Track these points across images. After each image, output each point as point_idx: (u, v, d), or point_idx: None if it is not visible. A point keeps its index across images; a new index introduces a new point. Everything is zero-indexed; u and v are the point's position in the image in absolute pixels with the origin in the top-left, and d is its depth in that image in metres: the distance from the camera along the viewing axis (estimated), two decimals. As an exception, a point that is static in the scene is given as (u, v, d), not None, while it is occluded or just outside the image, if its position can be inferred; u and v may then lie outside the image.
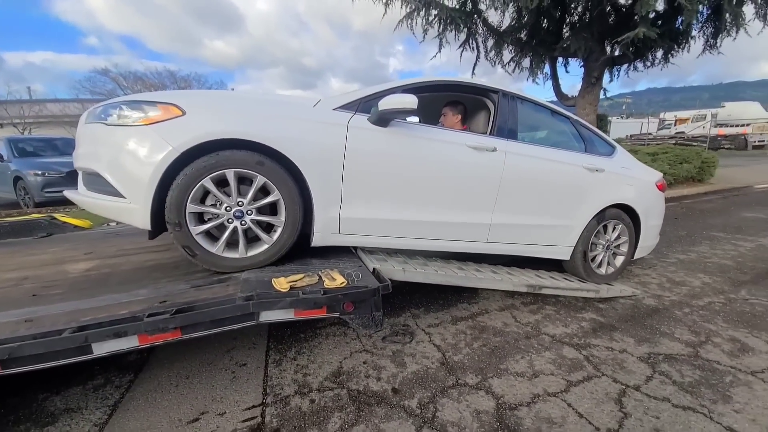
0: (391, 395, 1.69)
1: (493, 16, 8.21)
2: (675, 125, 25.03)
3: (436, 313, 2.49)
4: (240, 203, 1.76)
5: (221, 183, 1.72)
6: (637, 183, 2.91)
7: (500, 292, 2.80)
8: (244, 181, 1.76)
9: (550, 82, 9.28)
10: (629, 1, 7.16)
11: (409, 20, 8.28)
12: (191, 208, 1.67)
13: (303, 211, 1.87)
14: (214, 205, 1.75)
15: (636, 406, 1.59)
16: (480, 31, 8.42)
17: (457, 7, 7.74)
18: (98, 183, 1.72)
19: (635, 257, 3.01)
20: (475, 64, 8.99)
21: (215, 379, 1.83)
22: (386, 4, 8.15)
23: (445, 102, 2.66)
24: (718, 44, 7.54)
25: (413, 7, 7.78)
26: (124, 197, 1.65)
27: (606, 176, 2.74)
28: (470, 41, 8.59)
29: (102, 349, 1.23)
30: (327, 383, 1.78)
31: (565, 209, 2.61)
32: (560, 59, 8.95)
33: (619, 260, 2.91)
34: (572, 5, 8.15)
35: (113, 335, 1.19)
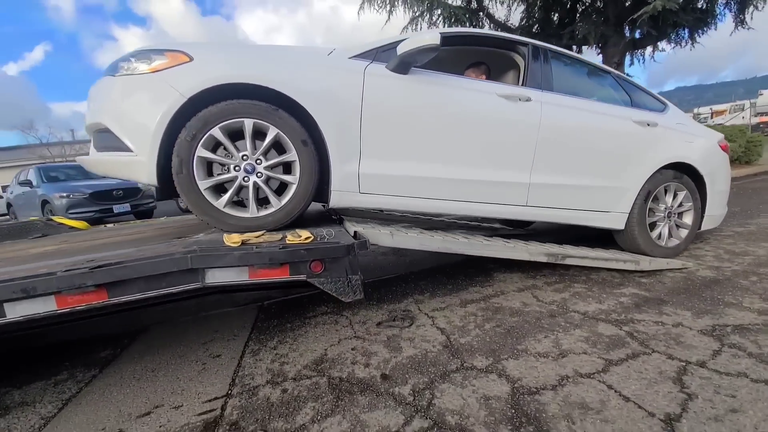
0: (379, 382, 1.38)
1: (499, 11, 8.06)
2: (711, 118, 23.43)
3: (442, 297, 2.16)
4: (246, 157, 1.62)
5: (233, 136, 1.60)
6: (697, 141, 2.58)
7: (519, 274, 2.42)
8: (256, 134, 1.63)
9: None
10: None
11: (414, 25, 8.29)
12: (201, 152, 1.54)
13: (319, 168, 1.72)
14: (228, 155, 1.62)
15: (703, 385, 1.18)
16: (487, 28, 8.25)
17: (462, 5, 7.65)
18: (106, 140, 1.62)
19: (702, 228, 2.59)
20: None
21: (182, 372, 1.59)
22: (390, 12, 8.22)
23: (467, 65, 2.43)
24: (747, 19, 6.94)
25: (418, 11, 7.78)
26: (131, 150, 1.55)
27: (661, 131, 2.43)
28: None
29: (15, 311, 1.02)
30: (305, 371, 1.49)
31: (616, 169, 2.31)
32: (573, 48, 8.58)
33: (683, 232, 2.53)
34: (582, -7, 7.87)
35: (21, 292, 0.99)
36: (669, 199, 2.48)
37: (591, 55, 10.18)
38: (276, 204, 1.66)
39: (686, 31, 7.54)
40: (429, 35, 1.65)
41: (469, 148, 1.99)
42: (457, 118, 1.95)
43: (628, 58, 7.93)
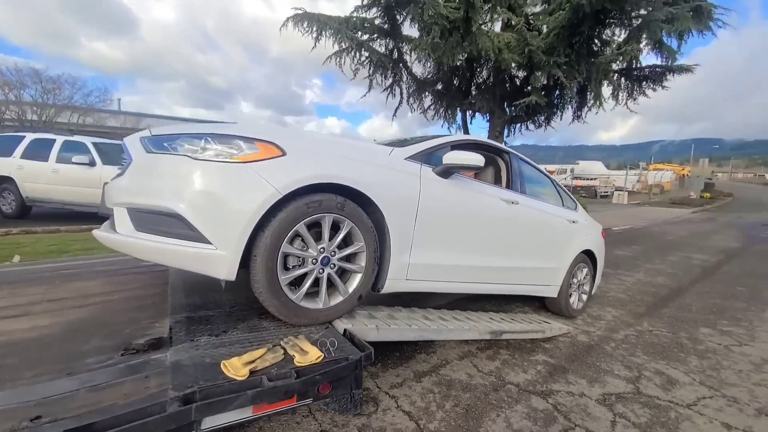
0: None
1: (416, 66, 8.98)
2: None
3: (395, 369, 2.23)
4: (324, 250, 1.67)
5: (309, 228, 1.62)
6: (593, 232, 3.53)
7: (454, 340, 2.70)
8: (319, 225, 1.67)
9: (461, 131, 10.43)
10: (522, 74, 8.68)
11: (338, 58, 8.47)
12: (285, 247, 1.54)
13: (380, 258, 1.88)
14: (300, 260, 1.63)
15: (616, 459, 1.58)
16: (404, 78, 9.07)
17: (386, 53, 8.23)
18: (164, 224, 1.45)
19: (592, 293, 3.54)
20: (397, 108, 9.58)
21: None
22: (316, 39, 8.21)
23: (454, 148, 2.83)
24: (583, 115, 9.64)
25: (345, 46, 7.99)
26: (210, 243, 1.42)
27: (579, 227, 3.26)
28: (394, 87, 9.17)
29: None
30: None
31: (558, 254, 3.05)
32: (469, 112, 10.21)
33: (584, 297, 3.41)
34: (478, 69, 9.51)
35: None
36: (580, 275, 3.31)
37: (481, 119, 12.11)
38: (344, 294, 1.74)
39: (544, 117, 9.93)
40: (475, 157, 2.04)
41: (485, 240, 2.46)
42: (478, 216, 2.40)
43: (506, 129, 9.86)
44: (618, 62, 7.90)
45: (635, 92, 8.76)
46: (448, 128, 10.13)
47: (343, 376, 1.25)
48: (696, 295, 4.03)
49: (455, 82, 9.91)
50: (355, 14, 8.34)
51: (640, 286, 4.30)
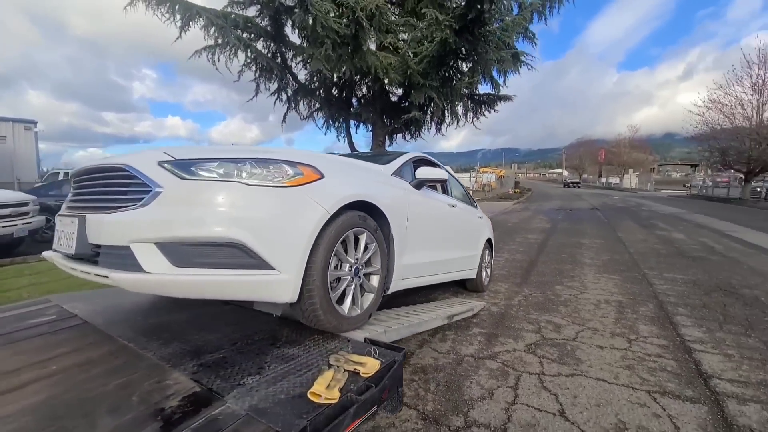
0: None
1: (299, 74, 8.91)
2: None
3: (373, 371, 2.37)
4: (356, 262, 1.86)
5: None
6: (489, 224, 4.51)
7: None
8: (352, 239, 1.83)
9: (346, 139, 10.90)
10: (400, 92, 9.78)
11: (212, 54, 7.62)
12: (331, 265, 1.65)
13: (387, 264, 2.14)
14: (337, 267, 1.75)
15: (553, 386, 2.18)
16: (290, 85, 8.87)
17: (270, 56, 7.89)
18: (215, 255, 1.37)
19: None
20: (285, 114, 9.29)
21: None
22: (182, 29, 7.17)
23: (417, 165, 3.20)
24: (443, 130, 11.59)
25: (221, 41, 7.25)
26: (273, 268, 1.43)
27: (483, 221, 4.25)
28: (280, 93, 8.87)
29: None
30: None
31: (475, 243, 3.90)
32: (354, 122, 10.78)
33: (489, 273, 4.44)
34: (358, 83, 10.18)
35: None
36: (486, 258, 4.23)
37: (364, 131, 12.80)
38: (368, 301, 1.96)
39: (417, 130, 11.44)
40: (441, 172, 2.70)
41: (442, 238, 3.06)
42: (438, 219, 2.98)
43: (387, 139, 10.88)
44: (467, 89, 9.90)
45: (478, 113, 11.11)
46: (337, 136, 10.42)
47: (396, 378, 1.36)
48: (543, 264, 5.57)
49: (335, 93, 10.30)
50: (230, 9, 7.68)
51: (509, 263, 5.62)
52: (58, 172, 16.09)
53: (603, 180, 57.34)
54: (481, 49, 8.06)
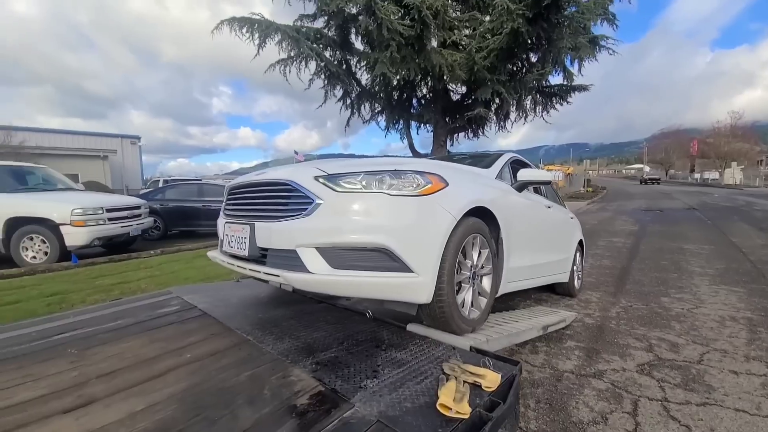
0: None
1: (363, 78, 9.11)
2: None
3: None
4: (474, 265, 1.97)
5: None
6: (579, 225, 4.26)
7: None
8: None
9: (406, 140, 10.88)
10: (462, 89, 9.49)
11: (284, 66, 8.14)
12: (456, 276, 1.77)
13: (498, 266, 2.21)
14: (458, 271, 1.83)
15: (683, 416, 1.86)
16: (354, 89, 9.13)
17: (337, 64, 8.19)
18: (365, 259, 1.54)
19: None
20: (349, 119, 9.58)
21: None
22: (260, 46, 7.76)
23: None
24: (508, 126, 10.95)
25: (293, 54, 7.72)
26: (413, 271, 1.55)
27: (574, 222, 4.07)
28: (345, 98, 9.17)
29: None
30: None
31: (568, 245, 3.72)
32: (415, 123, 10.73)
33: (581, 276, 4.18)
34: (420, 83, 10.09)
35: None
36: (578, 260, 4.02)
37: (423, 131, 12.76)
38: (483, 303, 2.04)
39: (480, 127, 10.98)
40: (545, 174, 2.71)
41: (542, 240, 3.00)
42: (538, 221, 2.94)
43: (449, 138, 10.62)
44: (537, 81, 9.23)
45: (548, 106, 10.29)
46: (401, 138, 10.47)
47: (516, 394, 1.24)
48: (639, 271, 4.91)
49: (395, 95, 10.34)
50: (299, 23, 8.15)
51: (597, 270, 5.06)
52: (159, 180, 18.83)
53: (697, 176, 49.51)
54: (556, 36, 7.46)
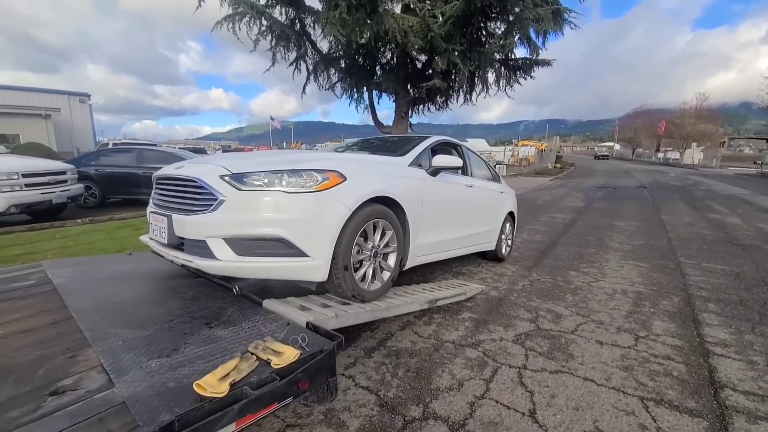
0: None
1: (321, 42, 8.59)
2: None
3: (346, 351, 2.31)
4: (375, 246, 2.28)
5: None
6: (511, 197, 4.58)
7: (393, 311, 2.90)
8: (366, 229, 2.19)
9: (368, 110, 10.56)
10: (424, 58, 9.15)
11: (231, 23, 7.51)
12: (355, 256, 2.10)
13: (402, 244, 2.51)
14: (359, 252, 2.17)
15: (533, 382, 2.00)
16: (309, 53, 8.61)
17: (288, 23, 7.63)
18: (266, 247, 1.80)
19: (512, 241, 4.75)
20: (305, 85, 9.11)
21: None
22: (200, -1, 7.09)
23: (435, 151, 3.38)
24: (473, 98, 10.80)
25: (239, 10, 7.10)
26: (308, 256, 1.84)
27: (504, 195, 4.31)
28: (299, 62, 8.65)
29: None
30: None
31: (494, 218, 4.05)
32: (376, 92, 10.36)
33: (509, 243, 4.57)
34: (382, 49, 9.64)
35: None
36: (506, 230, 4.36)
37: (388, 102, 12.42)
38: (387, 276, 2.39)
39: (443, 99, 10.77)
40: (456, 159, 2.91)
41: (458, 217, 3.30)
42: (454, 201, 3.22)
43: (410, 110, 10.38)
44: (499, 53, 9.02)
45: (512, 80, 10.16)
46: (356, 107, 10.13)
47: (321, 368, 1.27)
48: (563, 246, 5.15)
49: (359, 60, 9.87)
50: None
51: (526, 245, 5.27)
52: (108, 143, 17.57)
53: (660, 155, 51.72)
54: (514, 6, 7.22)
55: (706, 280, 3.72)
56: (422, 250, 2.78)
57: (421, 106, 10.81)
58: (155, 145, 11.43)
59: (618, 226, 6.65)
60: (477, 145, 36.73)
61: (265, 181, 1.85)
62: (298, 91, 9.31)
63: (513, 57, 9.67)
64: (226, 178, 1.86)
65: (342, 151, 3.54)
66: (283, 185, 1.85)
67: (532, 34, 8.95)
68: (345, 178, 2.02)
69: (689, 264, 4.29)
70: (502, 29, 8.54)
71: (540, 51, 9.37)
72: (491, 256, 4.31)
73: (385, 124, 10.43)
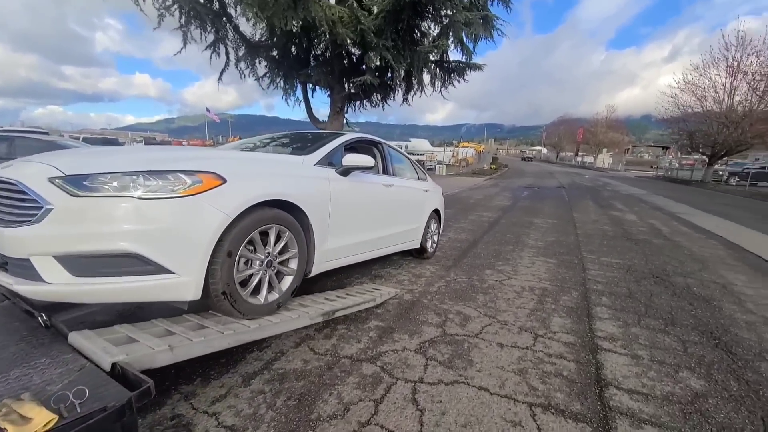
0: None
1: (245, 25, 7.86)
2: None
3: (219, 379, 1.94)
4: (269, 254, 2.07)
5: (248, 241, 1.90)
6: (437, 195, 4.60)
7: (292, 324, 2.58)
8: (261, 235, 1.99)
9: (301, 104, 10.01)
10: (358, 52, 8.89)
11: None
12: (242, 267, 1.91)
13: (307, 252, 2.32)
14: (247, 263, 1.96)
15: (425, 398, 1.84)
16: (230, 38, 7.83)
17: (204, 2, 6.82)
18: (114, 265, 1.51)
19: (439, 237, 4.83)
20: (222, 71, 8.29)
21: None
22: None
23: (349, 150, 3.17)
24: (409, 99, 10.82)
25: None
26: (172, 272, 1.59)
27: (429, 194, 4.29)
28: (218, 45, 7.83)
29: None
30: None
31: (418, 217, 4.00)
32: (309, 86, 9.85)
33: (435, 239, 4.57)
34: (315, 40, 9.18)
35: None
36: (432, 227, 4.37)
37: (323, 96, 11.92)
38: (285, 288, 2.19)
39: (380, 96, 10.61)
40: (367, 159, 2.71)
41: (375, 218, 3.18)
42: (370, 201, 3.09)
43: (347, 106, 10.06)
44: (434, 54, 9.10)
45: (446, 82, 10.37)
46: (286, 100, 9.54)
47: (102, 430, 0.91)
48: (484, 244, 5.26)
49: (292, 50, 9.29)
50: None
51: (450, 243, 5.28)
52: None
53: (579, 159, 58.20)
54: (443, 6, 7.28)
55: (603, 274, 4.00)
56: (332, 255, 2.64)
57: (358, 102, 10.57)
58: (46, 133, 9.57)
59: (536, 224, 7.07)
60: (420, 145, 37.72)
61: (114, 184, 1.56)
62: (239, 82, 8.45)
63: (447, 59, 9.87)
64: (57, 181, 1.52)
65: (250, 149, 3.13)
66: (137, 189, 1.57)
67: (465, 39, 9.21)
68: (224, 181, 1.79)
69: (590, 259, 4.62)
70: (437, 31, 8.65)
71: (473, 55, 9.67)
72: (417, 254, 4.33)
73: (320, 120, 9.99)
